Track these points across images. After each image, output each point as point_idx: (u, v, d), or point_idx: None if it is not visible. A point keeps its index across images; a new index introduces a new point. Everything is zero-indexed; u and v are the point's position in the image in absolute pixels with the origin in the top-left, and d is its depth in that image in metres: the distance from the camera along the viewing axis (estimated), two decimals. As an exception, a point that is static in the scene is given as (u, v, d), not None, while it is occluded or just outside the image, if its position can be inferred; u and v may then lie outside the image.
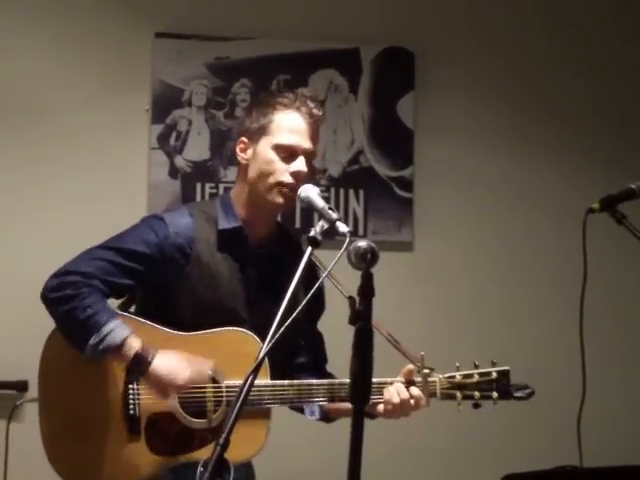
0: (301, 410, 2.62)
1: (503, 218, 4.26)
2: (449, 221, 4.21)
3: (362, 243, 1.96)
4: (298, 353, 2.64)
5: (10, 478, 3.57)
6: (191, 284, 2.46)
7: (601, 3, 4.38)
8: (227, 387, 2.41)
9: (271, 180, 2.45)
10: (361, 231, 4.07)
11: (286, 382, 2.45)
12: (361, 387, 1.86)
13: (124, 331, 2.36)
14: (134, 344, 2.36)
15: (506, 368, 2.52)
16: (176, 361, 2.39)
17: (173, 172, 3.97)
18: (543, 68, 4.32)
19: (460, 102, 4.24)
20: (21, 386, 3.74)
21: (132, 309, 2.61)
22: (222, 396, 2.41)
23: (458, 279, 4.18)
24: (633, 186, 2.48)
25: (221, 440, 1.91)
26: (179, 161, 3.98)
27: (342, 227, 2.14)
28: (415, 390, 2.45)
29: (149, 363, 2.36)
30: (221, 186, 3.97)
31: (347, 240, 2.02)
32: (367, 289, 1.90)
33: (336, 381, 2.47)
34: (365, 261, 1.93)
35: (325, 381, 2.47)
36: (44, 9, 3.92)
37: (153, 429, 2.42)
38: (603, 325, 4.03)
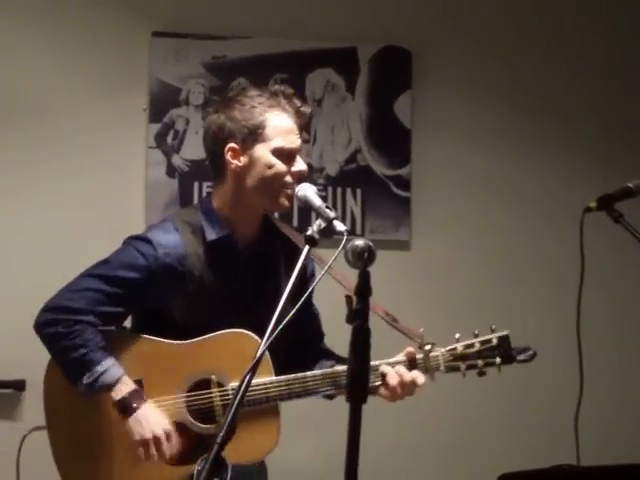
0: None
1: (500, 217, 4.26)
2: (446, 220, 4.21)
3: (359, 242, 1.96)
4: (305, 344, 2.63)
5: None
6: (186, 300, 2.46)
7: (599, 2, 4.38)
8: (233, 389, 2.39)
9: (277, 184, 2.44)
10: (358, 230, 4.07)
11: (291, 376, 2.44)
12: (358, 386, 1.86)
13: (117, 371, 2.39)
14: (124, 387, 2.39)
15: (506, 333, 2.51)
16: (159, 417, 2.39)
17: (170, 171, 3.97)
18: (540, 67, 4.32)
19: (457, 101, 4.24)
20: (19, 385, 3.74)
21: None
22: (229, 399, 2.40)
23: (455, 278, 4.18)
24: (630, 185, 2.49)
25: (218, 439, 1.91)
26: (176, 160, 3.98)
27: (339, 226, 2.14)
28: (415, 372, 2.44)
29: (133, 411, 2.38)
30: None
31: (344, 239, 2.02)
32: (364, 288, 1.90)
33: (339, 369, 2.45)
34: (362, 260, 1.93)
35: (329, 370, 2.46)
36: (41, 9, 3.92)
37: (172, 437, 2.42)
38: (600, 324, 4.03)
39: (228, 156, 2.46)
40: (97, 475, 2.44)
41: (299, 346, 2.59)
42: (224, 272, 2.49)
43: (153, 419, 2.38)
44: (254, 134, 2.43)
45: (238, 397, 1.93)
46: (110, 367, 2.38)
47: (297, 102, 2.48)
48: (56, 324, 2.41)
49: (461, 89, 4.25)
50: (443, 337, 3.94)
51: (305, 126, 2.56)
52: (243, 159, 2.45)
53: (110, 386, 2.37)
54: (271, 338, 1.97)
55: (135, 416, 2.38)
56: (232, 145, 2.45)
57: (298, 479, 3.69)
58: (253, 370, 1.95)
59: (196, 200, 3.92)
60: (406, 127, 4.16)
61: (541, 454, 3.63)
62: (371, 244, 1.96)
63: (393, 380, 2.43)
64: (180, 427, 2.42)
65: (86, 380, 2.37)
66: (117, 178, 3.95)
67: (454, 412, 4.12)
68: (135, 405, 2.38)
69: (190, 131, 3.99)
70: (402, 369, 2.45)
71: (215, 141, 2.49)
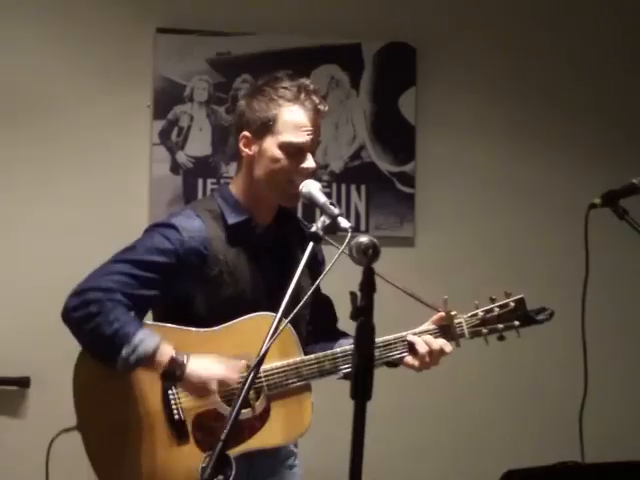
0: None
1: (505, 213, 4.25)
2: (451, 216, 4.21)
3: (364, 239, 1.96)
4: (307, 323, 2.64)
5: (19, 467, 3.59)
6: (213, 283, 2.45)
7: (604, -1, 4.39)
8: (264, 372, 2.40)
9: (280, 179, 2.44)
10: (363, 226, 4.07)
11: (320, 354, 2.46)
12: (362, 383, 1.85)
13: (155, 339, 2.35)
14: (166, 350, 2.35)
15: (521, 296, 2.59)
16: (210, 361, 2.38)
17: (175, 168, 3.97)
18: (545, 63, 4.31)
19: (462, 97, 4.24)
20: (23, 382, 3.74)
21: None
22: (262, 382, 2.40)
23: (460, 274, 4.17)
24: (635, 181, 2.48)
25: (222, 436, 1.91)
26: (181, 157, 3.98)
27: (344, 223, 2.15)
28: (441, 340, 2.51)
29: (185, 366, 2.35)
30: (223, 182, 3.97)
31: (349, 236, 2.02)
32: (368, 285, 1.89)
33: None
34: (367, 256, 1.93)
35: (348, 347, 2.46)
36: (45, 6, 3.92)
37: (200, 429, 2.41)
38: (605, 321, 4.02)
39: (241, 144, 2.49)
40: (131, 468, 2.42)
41: (315, 329, 2.62)
42: (246, 255, 2.49)
43: (207, 361, 2.37)
44: (265, 126, 2.44)
45: (242, 396, 1.93)
46: (146, 337, 2.34)
47: (316, 99, 2.47)
48: (86, 305, 2.36)
49: (465, 85, 4.25)
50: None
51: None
52: (254, 148, 2.47)
53: (150, 356, 2.33)
54: (281, 328, 2.00)
55: (189, 369, 2.35)
56: (246, 133, 2.47)
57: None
58: (263, 356, 1.98)
59: (200, 196, 3.93)
60: (410, 123, 4.16)
61: (546, 451, 3.62)
62: (375, 241, 1.96)
63: (422, 348, 2.48)
64: (213, 414, 2.41)
65: (124, 353, 2.32)
66: (121, 175, 3.95)
67: (459, 409, 4.12)
68: (183, 360, 2.34)
69: (194, 128, 3.99)
70: (430, 338, 2.51)
71: (236, 127, 2.54)
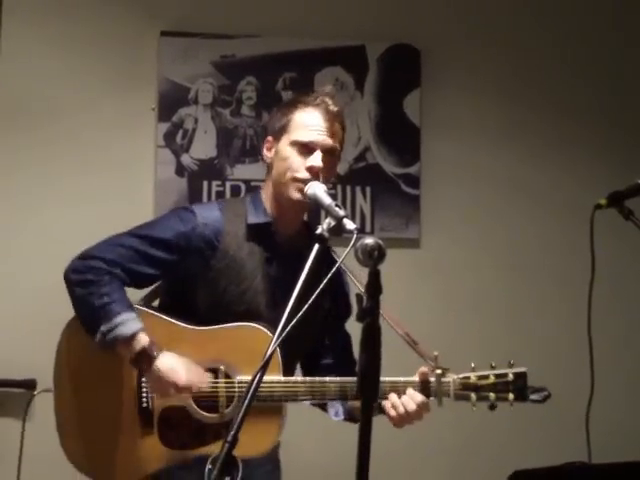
0: (326, 410, 2.61)
1: (510, 215, 4.25)
2: (456, 218, 4.21)
3: (369, 240, 1.96)
4: (324, 354, 2.64)
5: (25, 470, 3.60)
6: (215, 276, 2.46)
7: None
8: (239, 382, 2.42)
9: (288, 175, 2.45)
10: (368, 228, 4.07)
11: (299, 378, 2.47)
12: (370, 381, 1.86)
13: (136, 325, 2.38)
14: (142, 340, 2.37)
15: (523, 370, 2.49)
16: (179, 365, 2.40)
17: (180, 170, 3.98)
18: (549, 64, 4.31)
19: (466, 99, 4.24)
20: (29, 385, 3.75)
21: (155, 303, 2.61)
22: (235, 391, 2.42)
23: (465, 276, 4.17)
24: (640, 181, 2.48)
25: (229, 437, 1.91)
26: (185, 159, 3.98)
27: (349, 224, 2.15)
28: (419, 397, 2.41)
29: (153, 360, 2.37)
30: (227, 184, 3.97)
31: (354, 237, 2.02)
32: (374, 286, 1.89)
33: (348, 379, 2.44)
34: (372, 258, 1.92)
35: (337, 379, 2.45)
36: (49, 9, 3.93)
37: (166, 423, 2.43)
38: (611, 321, 4.02)
39: (265, 149, 2.55)
40: (94, 445, 2.45)
41: (327, 369, 2.60)
42: (259, 258, 2.50)
43: (176, 359, 2.38)
44: (282, 128, 2.50)
45: (250, 394, 1.93)
46: (128, 320, 2.37)
47: (328, 100, 2.50)
48: (86, 271, 2.43)
49: (470, 87, 4.25)
50: (452, 336, 3.97)
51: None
52: (273, 151, 2.52)
53: (125, 339, 2.36)
54: (280, 339, 1.98)
55: (159, 362, 2.37)
56: (269, 138, 2.55)
57: (308, 477, 3.69)
58: (264, 368, 1.96)
59: (205, 199, 3.95)
60: (415, 125, 4.16)
61: (553, 452, 3.61)
62: (381, 242, 1.95)
63: (399, 409, 2.41)
64: (181, 411, 2.43)
65: (103, 329, 2.36)
66: (126, 178, 3.95)
67: (464, 409, 4.11)
68: (155, 354, 2.37)
69: (199, 130, 4.00)
70: (409, 395, 2.42)
71: (263, 137, 2.61)
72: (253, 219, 2.52)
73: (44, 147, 3.89)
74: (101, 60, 3.95)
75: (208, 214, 2.50)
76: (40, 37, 3.91)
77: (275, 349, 2.18)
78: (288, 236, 2.54)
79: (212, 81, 4.02)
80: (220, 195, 3.94)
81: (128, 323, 2.37)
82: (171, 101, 3.99)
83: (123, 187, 3.94)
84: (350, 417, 2.57)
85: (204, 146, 3.98)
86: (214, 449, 2.34)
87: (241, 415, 1.93)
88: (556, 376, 4.10)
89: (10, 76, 3.87)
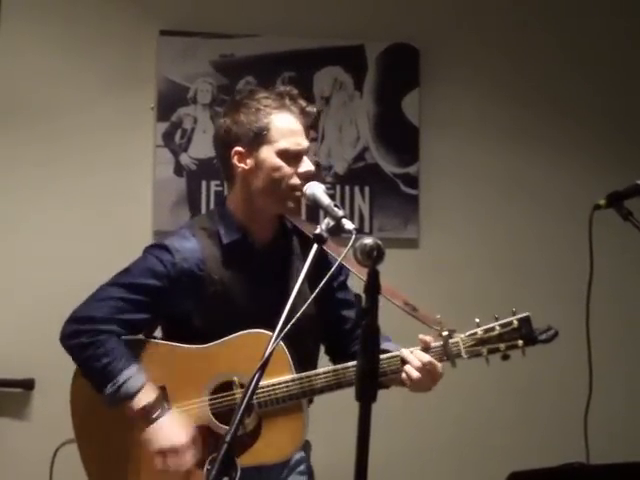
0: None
1: (509, 214, 4.25)
2: (455, 218, 4.21)
3: (368, 240, 1.96)
4: (349, 341, 2.59)
5: (23, 469, 3.60)
6: (208, 303, 2.46)
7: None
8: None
9: (284, 186, 2.43)
10: (367, 228, 4.07)
11: (319, 370, 2.44)
12: (368, 384, 1.85)
13: (138, 382, 2.39)
14: (144, 398, 2.39)
15: (526, 314, 2.51)
16: (177, 428, 2.39)
17: (178, 170, 3.97)
18: (548, 64, 4.31)
19: (465, 98, 4.23)
20: (28, 384, 3.74)
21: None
22: (253, 400, 2.38)
23: (464, 276, 4.17)
24: (639, 182, 2.48)
25: (227, 438, 1.91)
26: (184, 159, 3.98)
27: (348, 224, 2.14)
28: (426, 356, 2.43)
29: (153, 421, 2.38)
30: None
31: (353, 237, 2.02)
32: (373, 286, 1.89)
33: (349, 364, 2.41)
34: (371, 258, 1.93)
35: (339, 367, 2.43)
36: (48, 8, 3.92)
37: (194, 443, 2.42)
38: (609, 321, 4.02)
39: (235, 160, 2.47)
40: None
41: (340, 336, 2.59)
42: (243, 274, 2.49)
43: (171, 430, 2.39)
44: (259, 137, 2.44)
45: (247, 395, 1.93)
46: (132, 377, 2.38)
47: (302, 102, 2.48)
48: (80, 335, 2.42)
49: (469, 87, 4.24)
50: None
51: (313, 123, 2.56)
52: (249, 162, 2.46)
53: (131, 396, 2.38)
54: (279, 338, 1.97)
55: (154, 426, 2.38)
56: (238, 149, 2.46)
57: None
58: (262, 369, 1.95)
59: (204, 198, 3.95)
60: (414, 125, 4.16)
61: (551, 452, 3.62)
62: (380, 242, 1.95)
63: (415, 363, 2.42)
64: (205, 430, 2.42)
65: (109, 390, 2.38)
66: (125, 177, 3.95)
67: (463, 411, 4.11)
68: (155, 415, 2.39)
69: (198, 130, 4.00)
70: (421, 353, 2.44)
71: (223, 145, 2.51)
72: (227, 238, 2.49)
73: (42, 146, 3.89)
74: (100, 59, 3.95)
75: (183, 247, 2.46)
76: (39, 36, 3.91)
77: (284, 352, 2.29)
78: (266, 241, 2.53)
79: (211, 80, 4.02)
80: (219, 195, 3.94)
81: (132, 380, 2.38)
82: (170, 100, 3.98)
83: (121, 186, 3.93)
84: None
85: (203, 146, 3.98)
86: (244, 461, 2.32)
87: (240, 415, 1.93)
88: (554, 376, 4.13)
89: (8, 75, 3.87)
